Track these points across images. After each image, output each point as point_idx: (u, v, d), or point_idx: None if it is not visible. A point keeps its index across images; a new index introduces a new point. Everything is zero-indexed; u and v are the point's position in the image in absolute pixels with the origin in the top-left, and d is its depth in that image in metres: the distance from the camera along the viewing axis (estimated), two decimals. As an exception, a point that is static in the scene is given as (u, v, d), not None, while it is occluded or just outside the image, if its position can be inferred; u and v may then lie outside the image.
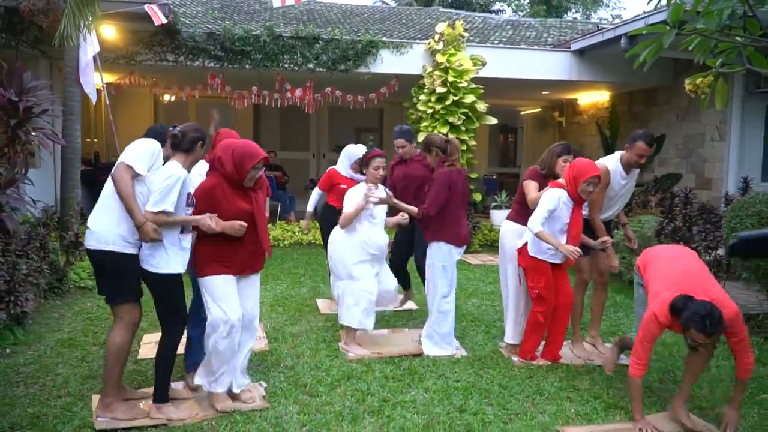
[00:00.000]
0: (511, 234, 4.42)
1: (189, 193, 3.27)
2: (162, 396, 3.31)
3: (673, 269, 3.31)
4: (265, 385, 3.73)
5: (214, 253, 3.33)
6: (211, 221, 3.21)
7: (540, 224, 3.91)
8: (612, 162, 4.32)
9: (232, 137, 3.62)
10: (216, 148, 3.45)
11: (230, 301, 3.34)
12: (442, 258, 4.39)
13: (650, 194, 8.92)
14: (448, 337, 4.44)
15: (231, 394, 3.49)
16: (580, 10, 28.64)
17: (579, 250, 3.92)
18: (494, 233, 9.64)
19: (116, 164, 3.18)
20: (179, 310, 3.33)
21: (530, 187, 4.35)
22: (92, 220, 3.22)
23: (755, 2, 3.59)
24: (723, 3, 3.98)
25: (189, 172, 3.30)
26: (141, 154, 3.17)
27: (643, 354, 3.17)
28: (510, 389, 3.75)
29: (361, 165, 4.60)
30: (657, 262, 3.46)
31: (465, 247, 4.53)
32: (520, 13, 26.93)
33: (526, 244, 4.10)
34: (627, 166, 4.29)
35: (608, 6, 28.77)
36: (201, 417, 3.31)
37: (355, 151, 5.24)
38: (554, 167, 4.34)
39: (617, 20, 24.37)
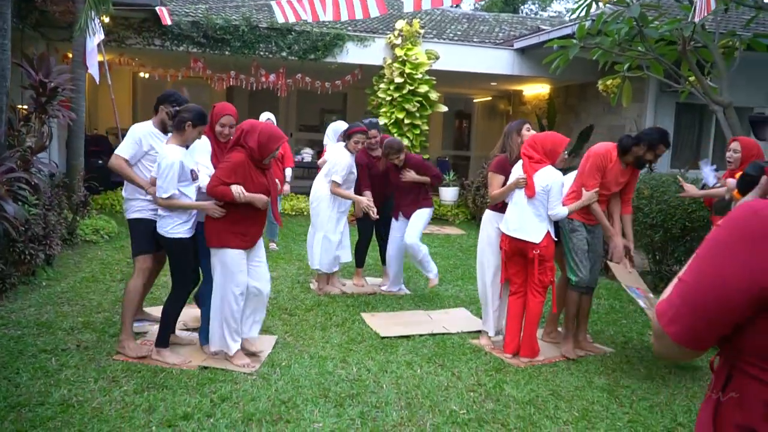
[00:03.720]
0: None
1: (192, 170, 3.59)
2: (162, 342, 3.78)
3: None
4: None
5: (233, 226, 3.60)
6: (241, 191, 3.52)
7: None
8: None
9: (227, 110, 3.87)
10: (242, 126, 3.68)
11: (243, 273, 3.71)
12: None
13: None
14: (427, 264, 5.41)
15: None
16: (537, 2, 30.11)
17: None
18: (443, 208, 10.97)
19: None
20: (185, 272, 3.74)
21: (494, 180, 4.28)
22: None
23: (644, 22, 4.99)
24: (618, 24, 5.43)
25: (187, 147, 3.63)
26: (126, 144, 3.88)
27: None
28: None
29: (344, 137, 5.41)
30: None
31: None
32: (480, 3, 28.17)
33: None
34: None
35: (562, -1, 30.30)
36: (194, 366, 3.71)
37: (339, 126, 6.01)
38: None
39: (567, 17, 25.88)
